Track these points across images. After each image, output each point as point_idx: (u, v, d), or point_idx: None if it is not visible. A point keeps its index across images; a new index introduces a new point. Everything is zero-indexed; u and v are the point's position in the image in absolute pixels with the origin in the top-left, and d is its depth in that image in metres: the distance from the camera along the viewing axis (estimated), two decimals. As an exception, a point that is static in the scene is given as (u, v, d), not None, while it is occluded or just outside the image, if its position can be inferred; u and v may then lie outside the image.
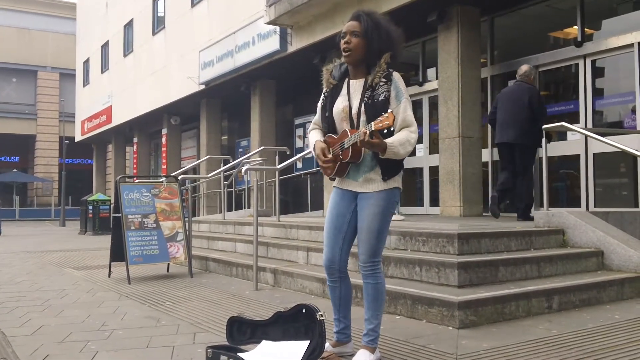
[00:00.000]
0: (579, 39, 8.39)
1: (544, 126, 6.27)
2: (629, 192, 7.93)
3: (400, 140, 3.03)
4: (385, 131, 2.97)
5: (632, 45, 7.70)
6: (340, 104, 3.22)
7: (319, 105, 3.40)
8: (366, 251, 3.16)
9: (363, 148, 3.06)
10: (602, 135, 6.37)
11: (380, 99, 3.09)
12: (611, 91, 8.30)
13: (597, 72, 8.34)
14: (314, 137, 3.35)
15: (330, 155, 3.17)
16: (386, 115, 2.89)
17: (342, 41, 3.16)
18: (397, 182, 3.19)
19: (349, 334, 3.34)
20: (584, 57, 8.29)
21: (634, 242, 5.44)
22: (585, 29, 8.47)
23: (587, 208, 7.83)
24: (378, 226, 3.14)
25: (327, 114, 3.28)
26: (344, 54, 3.17)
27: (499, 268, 4.65)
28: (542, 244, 5.45)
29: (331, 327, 3.35)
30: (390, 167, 3.13)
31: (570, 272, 5.08)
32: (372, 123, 2.92)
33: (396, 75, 3.16)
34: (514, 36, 10.10)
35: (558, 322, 4.04)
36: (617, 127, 8.04)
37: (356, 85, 3.22)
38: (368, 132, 2.92)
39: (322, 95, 3.38)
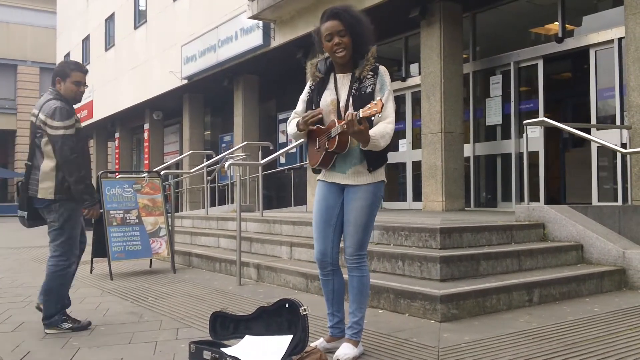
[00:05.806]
0: (560, 34, 8.47)
1: (525, 121, 6.34)
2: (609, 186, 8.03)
3: (380, 132, 3.06)
4: (373, 119, 2.99)
5: (612, 41, 7.79)
6: (328, 97, 3.23)
7: (303, 97, 3.38)
8: (353, 244, 3.18)
9: (349, 139, 3.07)
10: (582, 130, 6.44)
11: (367, 91, 3.12)
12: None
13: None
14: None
15: (316, 117, 3.14)
16: (375, 102, 2.91)
17: (331, 43, 3.14)
18: (382, 174, 3.22)
19: (343, 328, 3.32)
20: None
21: (613, 236, 5.52)
22: (566, 25, 8.55)
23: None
24: (365, 219, 3.16)
25: (314, 107, 3.28)
26: (338, 54, 3.15)
27: (480, 262, 4.70)
28: (522, 238, 5.51)
29: (325, 323, 3.37)
30: (376, 158, 3.14)
31: (550, 265, 5.15)
32: (360, 110, 2.94)
33: (382, 69, 3.19)
34: (496, 32, 10.17)
35: (538, 315, 4.09)
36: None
37: (343, 79, 3.23)
38: (356, 118, 2.93)
39: (308, 88, 3.37)
